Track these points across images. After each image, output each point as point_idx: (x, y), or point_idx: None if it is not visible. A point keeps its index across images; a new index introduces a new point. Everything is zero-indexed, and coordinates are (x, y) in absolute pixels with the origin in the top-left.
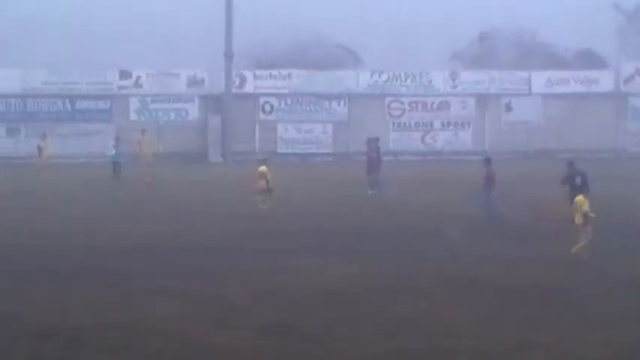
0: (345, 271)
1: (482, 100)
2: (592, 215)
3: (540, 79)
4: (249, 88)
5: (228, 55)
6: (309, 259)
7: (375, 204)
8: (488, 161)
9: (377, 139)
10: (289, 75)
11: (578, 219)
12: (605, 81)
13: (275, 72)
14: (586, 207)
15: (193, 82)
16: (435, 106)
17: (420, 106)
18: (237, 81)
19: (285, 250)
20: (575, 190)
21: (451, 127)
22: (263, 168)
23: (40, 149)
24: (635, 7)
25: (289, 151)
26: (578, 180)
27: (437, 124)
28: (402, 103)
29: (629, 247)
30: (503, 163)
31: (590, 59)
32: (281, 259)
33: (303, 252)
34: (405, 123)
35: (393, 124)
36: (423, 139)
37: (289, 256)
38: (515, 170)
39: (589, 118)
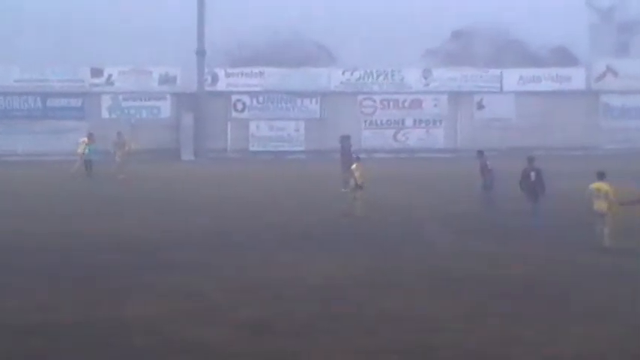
0: (327, 266)
1: (455, 97)
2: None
3: (512, 77)
4: (221, 86)
5: (201, 53)
6: (291, 254)
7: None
8: (480, 153)
9: (348, 137)
10: (262, 73)
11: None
12: (577, 79)
13: (247, 70)
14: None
15: (165, 79)
16: (407, 103)
17: (392, 104)
18: (210, 79)
19: (264, 246)
20: (529, 185)
21: (423, 125)
22: (354, 166)
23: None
24: (609, 5)
25: (261, 149)
26: (532, 175)
27: (409, 122)
28: (374, 100)
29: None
30: (476, 161)
31: (563, 57)
32: (261, 254)
33: (284, 247)
34: (377, 121)
35: (365, 121)
36: (395, 137)
37: (270, 252)
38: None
39: (561, 116)
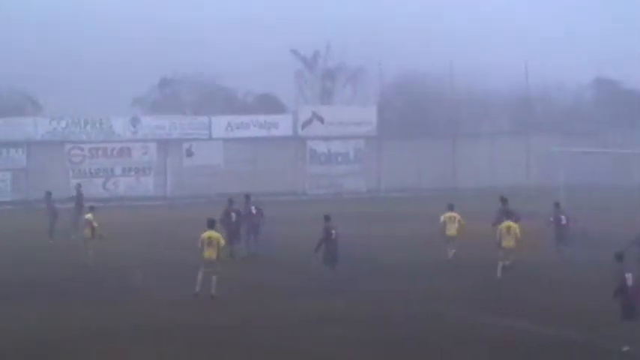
0: (39, 319)
1: (164, 145)
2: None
3: (221, 124)
4: None
5: None
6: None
7: (58, 252)
8: (327, 218)
9: (50, 193)
10: None
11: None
12: (284, 125)
13: None
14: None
15: None
16: (115, 152)
17: (100, 153)
18: None
19: None
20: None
21: (133, 173)
22: (89, 216)
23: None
24: (313, 54)
25: None
26: (233, 216)
27: (118, 170)
28: (82, 149)
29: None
30: (186, 207)
31: (270, 104)
32: None
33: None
34: (85, 170)
35: (74, 170)
36: (104, 186)
37: None
38: (190, 214)
39: (270, 162)
